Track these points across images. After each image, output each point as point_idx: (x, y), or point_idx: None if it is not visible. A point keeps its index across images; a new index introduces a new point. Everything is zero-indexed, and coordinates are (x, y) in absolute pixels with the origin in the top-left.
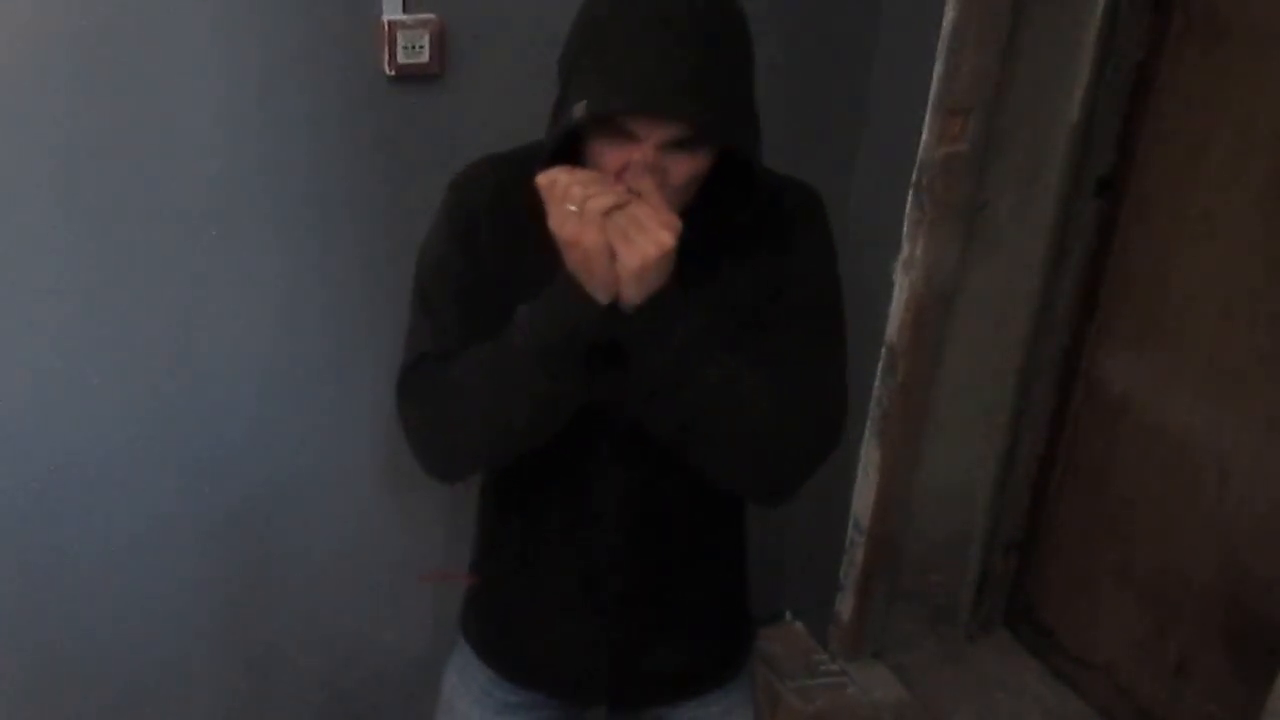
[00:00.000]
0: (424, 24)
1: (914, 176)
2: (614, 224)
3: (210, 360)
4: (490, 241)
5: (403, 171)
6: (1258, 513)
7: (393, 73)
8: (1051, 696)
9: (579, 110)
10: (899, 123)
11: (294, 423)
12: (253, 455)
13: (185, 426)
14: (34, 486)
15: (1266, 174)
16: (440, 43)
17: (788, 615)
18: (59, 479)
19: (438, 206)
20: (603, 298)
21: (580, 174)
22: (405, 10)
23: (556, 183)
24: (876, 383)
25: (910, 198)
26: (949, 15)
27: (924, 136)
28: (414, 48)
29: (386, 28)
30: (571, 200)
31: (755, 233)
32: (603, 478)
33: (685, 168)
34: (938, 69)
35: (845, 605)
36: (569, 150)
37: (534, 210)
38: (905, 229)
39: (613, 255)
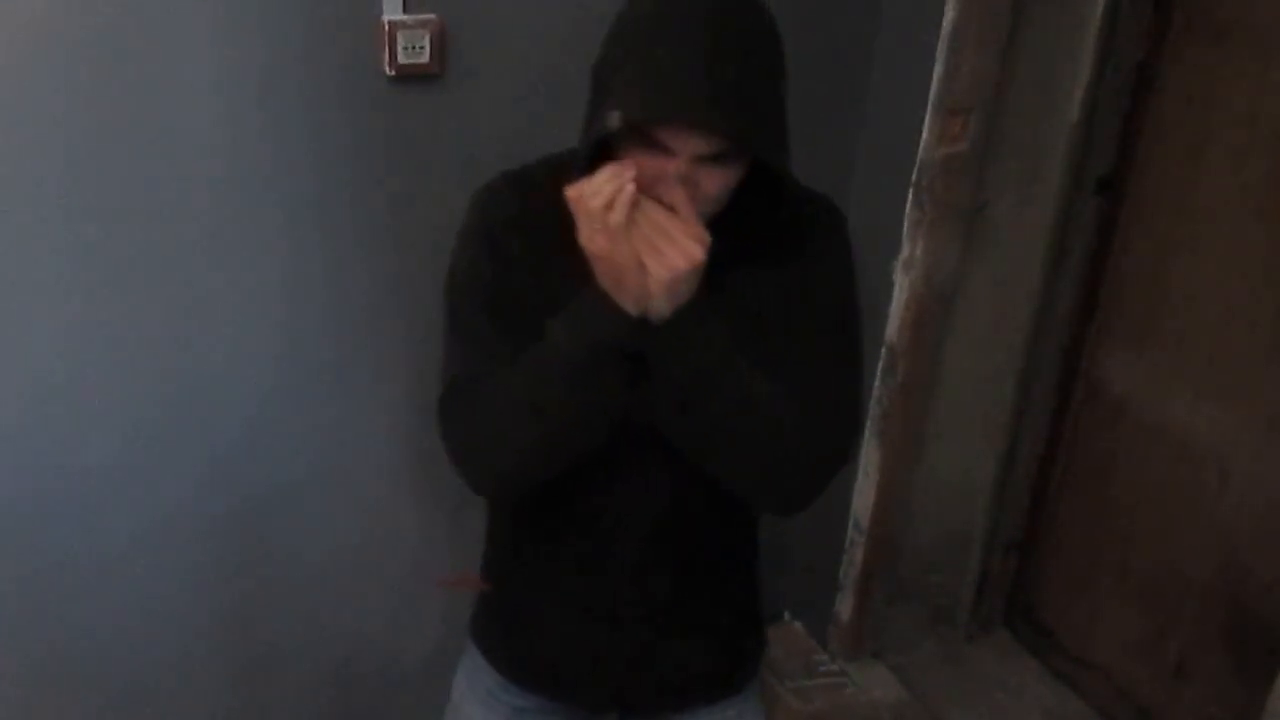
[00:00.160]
0: (424, 24)
1: (914, 176)
2: (644, 237)
3: (211, 360)
4: (519, 257)
5: (403, 172)
6: (1258, 513)
7: (393, 73)
8: (1051, 696)
9: (614, 120)
10: (899, 123)
11: (295, 423)
12: (254, 456)
13: (187, 427)
14: (35, 486)
15: (1266, 174)
16: (440, 43)
17: (787, 615)
18: (60, 479)
19: (461, 225)
20: (633, 310)
21: (598, 178)
22: (405, 10)
23: (581, 196)
24: (876, 383)
25: (910, 198)
26: (949, 15)
27: (924, 136)
28: (414, 48)
29: (386, 28)
30: (594, 216)
31: (779, 245)
32: (620, 485)
33: (717, 180)
34: (938, 69)
35: (845, 605)
36: (599, 161)
37: (562, 223)
38: (905, 229)
39: (643, 268)
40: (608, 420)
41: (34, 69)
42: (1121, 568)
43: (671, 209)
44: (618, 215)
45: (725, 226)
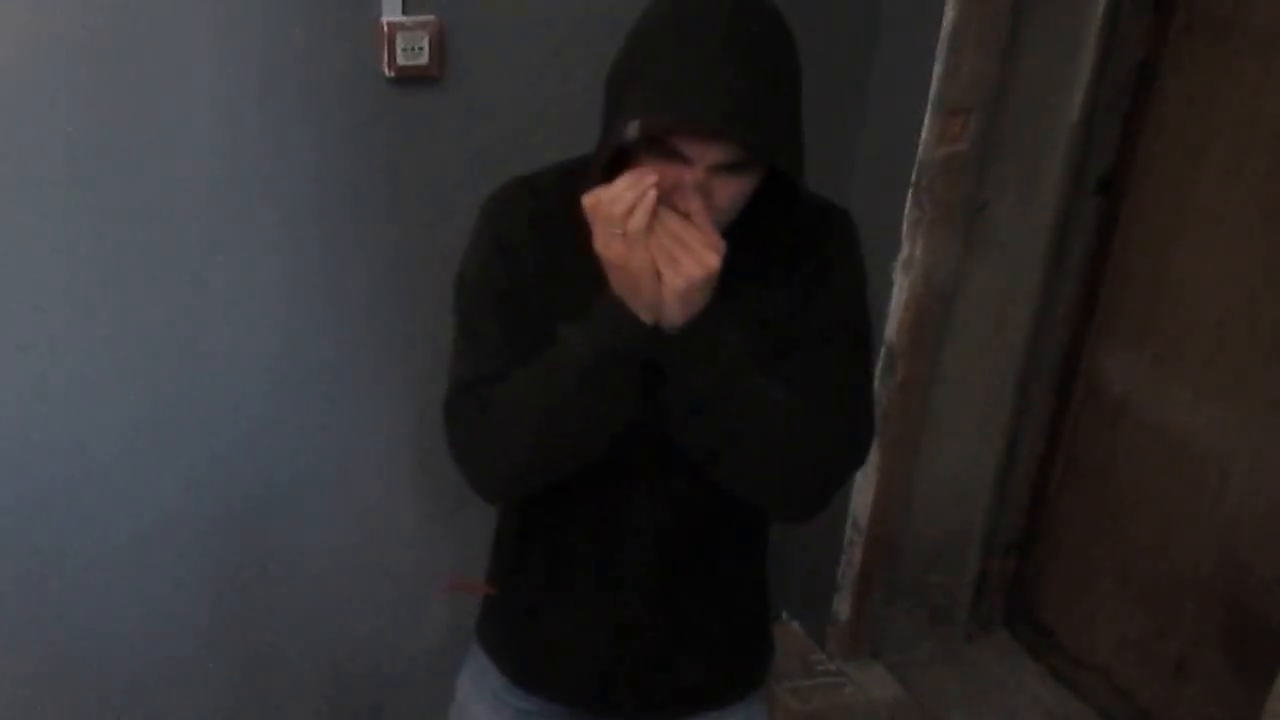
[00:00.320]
0: (423, 25)
1: (913, 176)
2: (660, 245)
3: (212, 360)
4: (531, 262)
5: (402, 173)
6: (1258, 512)
7: (392, 74)
8: (1050, 697)
9: (632, 130)
10: (899, 122)
11: (294, 423)
12: (253, 456)
13: (187, 427)
14: (35, 486)
15: (1266, 173)
16: (439, 44)
17: (785, 615)
18: (60, 479)
19: (472, 229)
20: (647, 318)
21: (616, 186)
22: (404, 12)
23: (600, 204)
24: (876, 383)
25: (910, 197)
26: (949, 15)
27: (924, 136)
28: (413, 49)
29: (386, 29)
30: (615, 224)
31: (793, 254)
32: (631, 492)
33: (733, 189)
34: (937, 69)
35: (843, 605)
36: (617, 169)
37: (575, 228)
38: (905, 229)
39: (658, 276)
40: (617, 427)
41: (35, 69)
42: (1121, 568)
43: (687, 217)
44: (638, 221)
45: (740, 236)
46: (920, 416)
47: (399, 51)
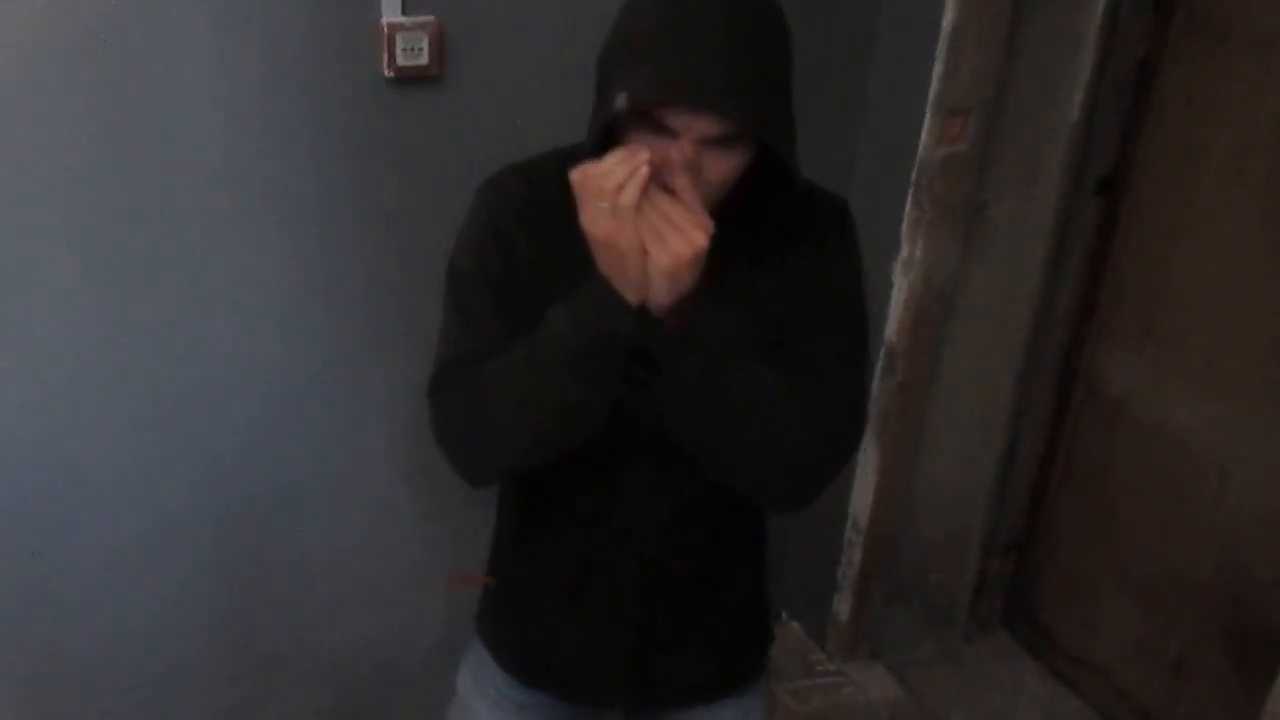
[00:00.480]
0: (423, 26)
1: (913, 176)
2: (647, 222)
3: (213, 361)
4: (525, 245)
5: (402, 173)
6: (1257, 513)
7: (392, 75)
8: (1050, 697)
9: (620, 101)
10: (899, 123)
11: (295, 423)
12: (254, 456)
13: (187, 428)
14: (35, 487)
15: (1266, 174)
16: (439, 45)
17: (785, 615)
18: (60, 480)
19: (467, 213)
20: (634, 298)
21: (606, 162)
22: (404, 12)
23: (589, 179)
24: (875, 383)
25: (910, 198)
26: (949, 15)
27: (923, 136)
28: (413, 50)
29: (385, 30)
30: (604, 198)
31: (787, 239)
32: (628, 483)
33: (722, 165)
34: (937, 69)
35: (843, 605)
36: (607, 147)
37: (567, 213)
38: (904, 229)
39: (645, 254)
40: (600, 411)
41: (35, 70)
42: (1121, 568)
43: (675, 195)
44: (629, 196)
45: (734, 219)
46: (920, 417)
47: (399, 52)
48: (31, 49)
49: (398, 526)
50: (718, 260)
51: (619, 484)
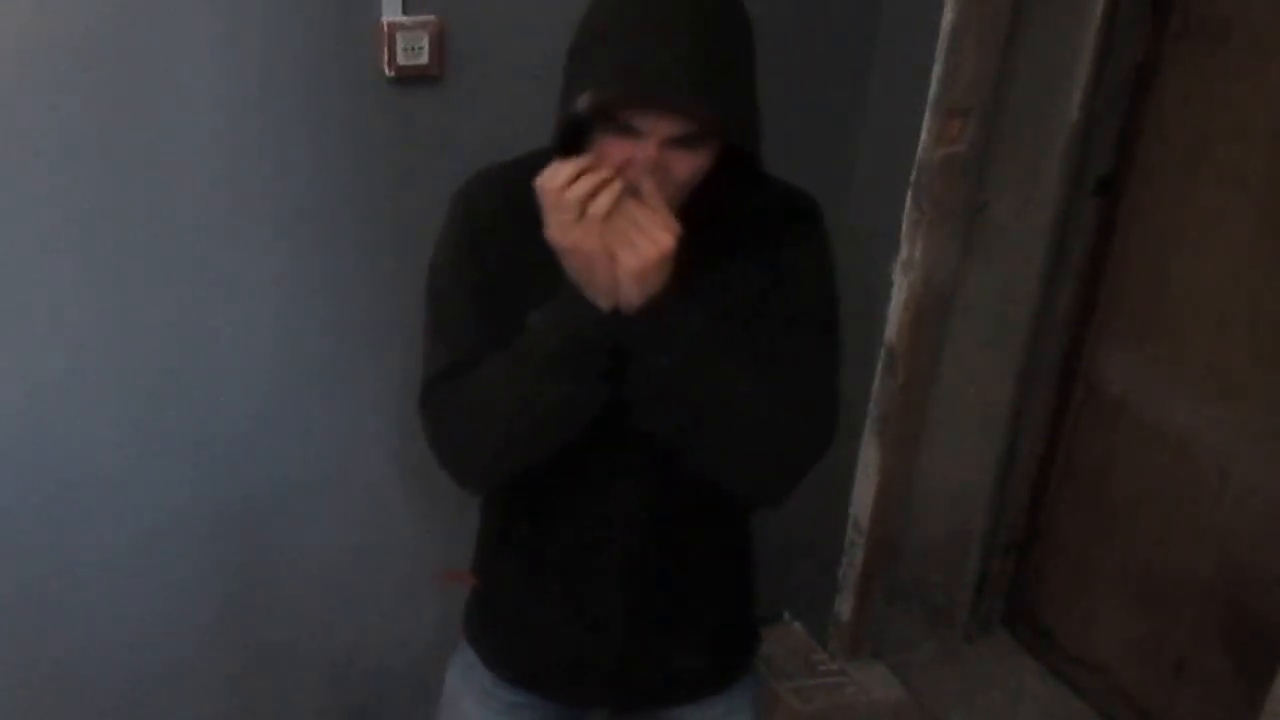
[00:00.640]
0: (423, 25)
1: (913, 177)
2: (613, 227)
3: (211, 360)
4: (500, 250)
5: (402, 173)
6: (1257, 513)
7: (392, 74)
8: (1050, 697)
9: (583, 101)
10: (898, 123)
11: (293, 424)
12: (254, 457)
13: (186, 427)
14: (34, 488)
15: (1265, 174)
16: (440, 44)
17: (787, 615)
18: (59, 480)
19: (443, 219)
20: (604, 302)
21: (571, 167)
22: (405, 11)
23: (551, 189)
24: (876, 383)
25: (909, 198)
26: (948, 16)
27: (923, 137)
28: (413, 49)
29: (386, 29)
30: (566, 209)
31: (755, 236)
32: (610, 481)
33: (687, 164)
34: (937, 69)
35: (844, 605)
36: (574, 148)
37: (541, 216)
38: (904, 230)
39: (613, 259)
40: (586, 412)
41: (35, 70)
42: (1121, 568)
43: (640, 197)
44: (600, 205)
45: (703, 217)
46: (920, 417)
47: (399, 51)
48: (31, 49)
49: (397, 526)
50: (687, 257)
51: (601, 482)
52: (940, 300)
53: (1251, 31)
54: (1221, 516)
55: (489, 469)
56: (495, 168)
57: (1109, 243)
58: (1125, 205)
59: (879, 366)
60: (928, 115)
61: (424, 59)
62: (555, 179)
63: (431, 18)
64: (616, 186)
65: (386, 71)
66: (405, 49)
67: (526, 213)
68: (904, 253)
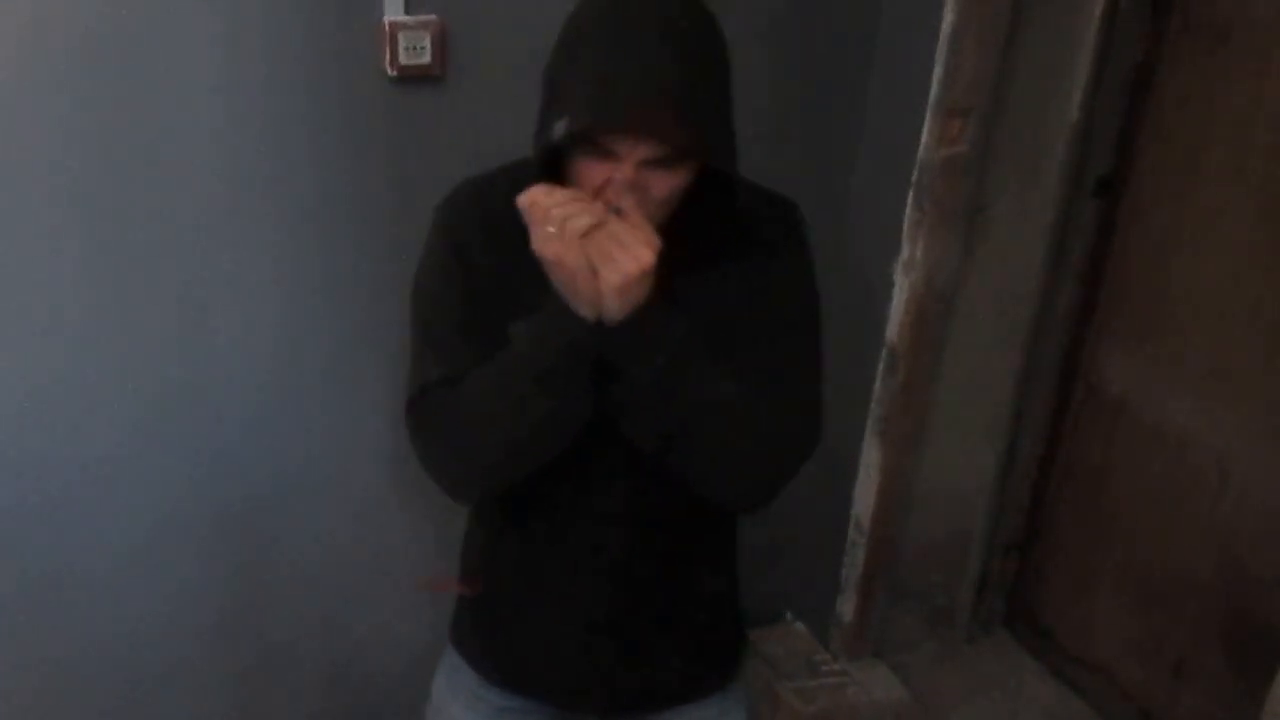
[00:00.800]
0: (425, 25)
1: (914, 177)
2: (595, 242)
3: (211, 361)
4: (483, 262)
5: (404, 172)
6: (1257, 513)
7: (394, 74)
8: (1051, 697)
9: (559, 129)
10: (899, 124)
11: (293, 424)
12: (253, 457)
13: (186, 428)
14: (34, 489)
15: (1265, 174)
16: (442, 44)
17: (789, 615)
18: (59, 481)
19: (426, 235)
20: (588, 314)
21: (560, 194)
22: (407, 11)
23: (536, 204)
24: (877, 383)
25: (910, 199)
26: (948, 16)
27: (924, 138)
28: (415, 49)
29: (388, 29)
30: (551, 222)
31: (734, 246)
32: (597, 487)
33: (665, 184)
34: (937, 70)
35: (846, 605)
36: (554, 164)
37: (523, 229)
38: (905, 230)
39: (595, 273)
40: (573, 423)
41: (36, 70)
42: (1121, 568)
43: (621, 214)
44: (577, 224)
45: (682, 229)
46: (922, 417)
47: (401, 51)
48: (32, 49)
49: (396, 527)
50: (668, 268)
51: (590, 487)
52: (941, 300)
53: (1251, 31)
54: (1221, 516)
55: (477, 480)
56: (476, 179)
57: (1109, 243)
58: (1125, 205)
59: (880, 367)
60: (928, 116)
61: (426, 59)
62: (539, 198)
63: (433, 17)
64: (598, 208)
65: (388, 71)
66: (407, 49)
67: (508, 225)
68: (905, 253)
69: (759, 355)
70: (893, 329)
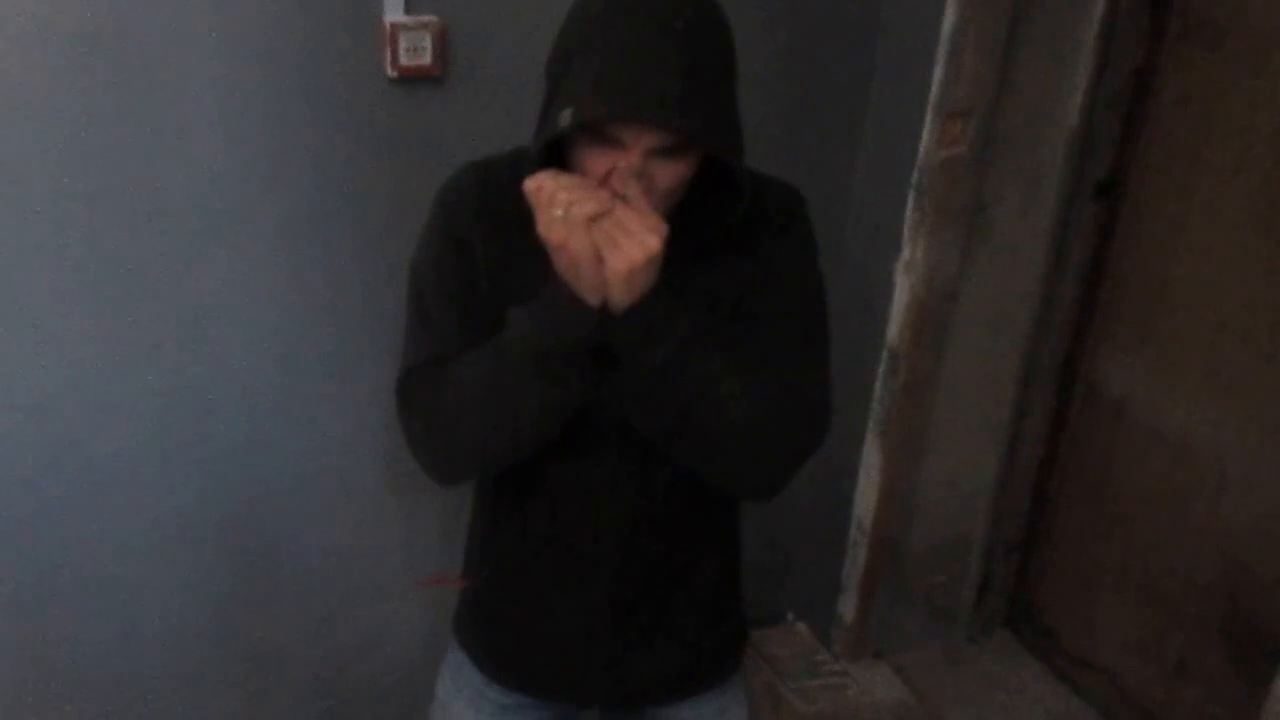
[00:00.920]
0: (425, 25)
1: (914, 179)
2: (601, 229)
3: (211, 361)
4: (482, 246)
5: (404, 173)
6: (1257, 513)
7: (394, 74)
8: (1052, 697)
9: (565, 118)
10: (899, 126)
11: (294, 425)
12: (253, 457)
13: (186, 429)
14: (36, 487)
15: (1264, 177)
16: (442, 44)
17: (790, 616)
18: (59, 482)
19: (427, 216)
20: (592, 301)
21: (565, 179)
22: (407, 12)
23: (543, 188)
24: (878, 384)
25: (911, 200)
26: (948, 19)
27: (924, 139)
28: (415, 49)
29: (388, 29)
30: (557, 206)
31: (738, 234)
32: (598, 479)
33: (671, 174)
34: (937, 72)
35: (847, 606)
36: (556, 153)
37: (524, 214)
38: (906, 231)
39: (600, 259)
40: (564, 410)
41: (36, 71)
42: (1122, 568)
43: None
44: (582, 209)
45: (687, 218)
46: (923, 418)
47: (401, 51)
48: (32, 49)
49: (396, 529)
50: (673, 255)
51: (586, 479)
52: (942, 301)
53: (1250, 34)
54: (1221, 516)
55: (461, 462)
56: (479, 163)
57: (1109, 244)
58: (1125, 207)
59: (881, 368)
60: (929, 117)
61: (426, 59)
62: (544, 180)
63: (434, 18)
64: (605, 194)
65: (389, 72)
66: (407, 49)
67: (508, 210)
68: (906, 254)
69: (764, 343)
70: (893, 330)
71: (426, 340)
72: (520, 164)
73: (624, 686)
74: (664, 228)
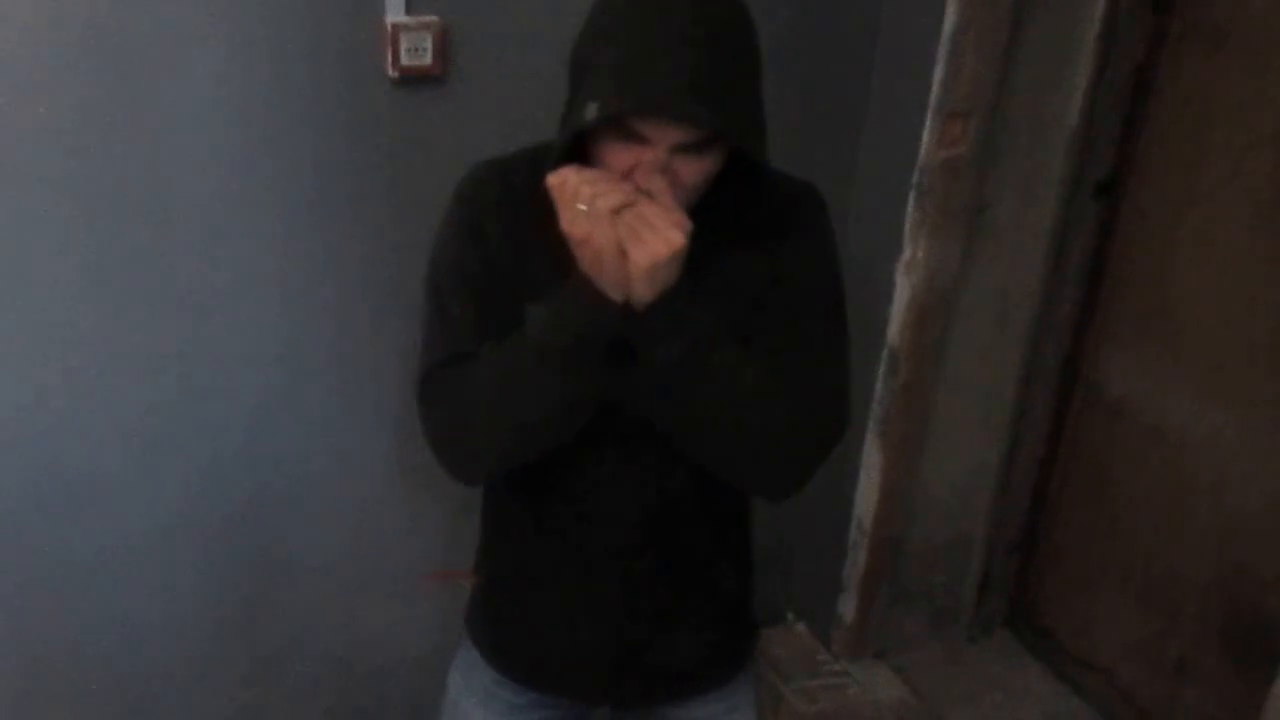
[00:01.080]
0: (426, 26)
1: (915, 179)
2: (625, 223)
3: (214, 361)
4: (501, 243)
5: (405, 173)
6: (1257, 513)
7: (395, 75)
8: (1052, 697)
9: (590, 113)
10: (899, 126)
11: (298, 424)
12: (254, 458)
13: (189, 428)
14: (37, 488)
15: (1265, 177)
16: (443, 45)
17: (790, 616)
18: (60, 482)
19: (445, 211)
20: (615, 296)
21: (589, 173)
22: (408, 12)
23: (567, 182)
24: (878, 384)
25: (911, 200)
26: (949, 19)
27: (924, 139)
28: (416, 50)
29: (389, 30)
30: (581, 199)
31: (760, 231)
32: (609, 476)
33: (695, 169)
34: (938, 72)
35: (848, 606)
36: (578, 149)
37: (544, 211)
38: (906, 231)
39: (624, 254)
40: (587, 406)
41: (37, 70)
42: (1122, 568)
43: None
44: (606, 201)
45: (708, 213)
46: (923, 418)
47: (402, 52)
48: (34, 49)
49: (400, 526)
50: (694, 251)
51: (599, 475)
52: (942, 301)
53: (1250, 34)
54: (1221, 516)
55: (485, 461)
56: (497, 160)
57: (1109, 244)
58: (1125, 207)
59: (881, 368)
60: (929, 117)
61: (427, 60)
62: (567, 174)
63: (435, 18)
64: (628, 188)
65: (390, 72)
66: (408, 50)
67: (526, 206)
68: (906, 254)
69: (784, 339)
70: (893, 330)
71: (444, 338)
72: (540, 161)
73: (635, 684)
74: (688, 223)
